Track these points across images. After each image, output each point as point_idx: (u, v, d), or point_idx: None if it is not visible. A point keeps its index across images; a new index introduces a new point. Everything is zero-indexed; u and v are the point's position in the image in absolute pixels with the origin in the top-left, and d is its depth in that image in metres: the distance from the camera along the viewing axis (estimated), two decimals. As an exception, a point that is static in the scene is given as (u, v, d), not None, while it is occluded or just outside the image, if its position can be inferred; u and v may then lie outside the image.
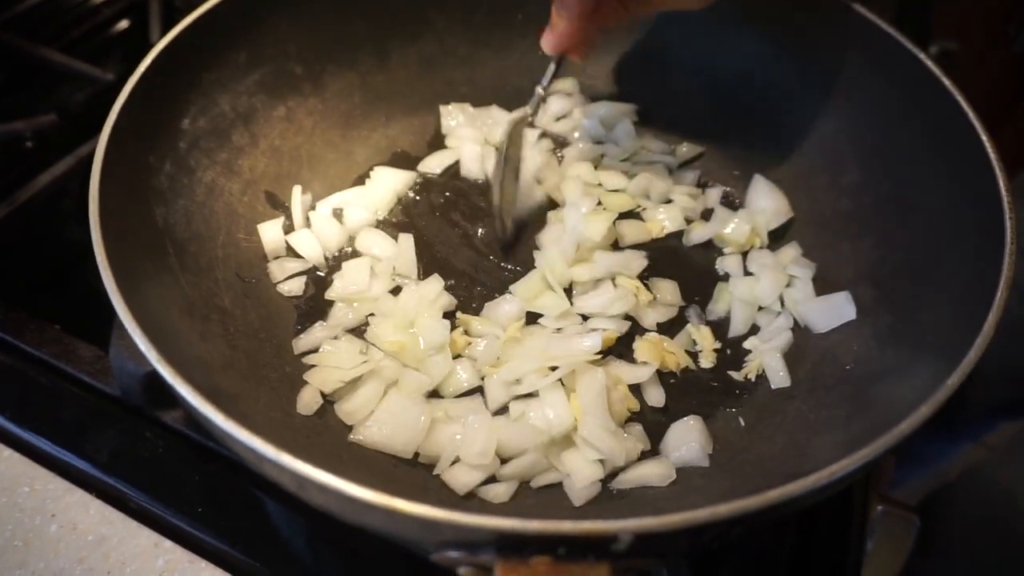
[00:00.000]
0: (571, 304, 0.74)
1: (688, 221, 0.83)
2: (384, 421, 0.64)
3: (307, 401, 0.66)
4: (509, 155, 0.77)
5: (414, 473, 0.64)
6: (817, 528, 0.67)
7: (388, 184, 0.84)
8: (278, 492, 0.63)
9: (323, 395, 0.67)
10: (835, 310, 0.72)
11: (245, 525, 0.63)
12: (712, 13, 0.87)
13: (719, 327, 0.75)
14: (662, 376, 0.71)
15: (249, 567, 0.61)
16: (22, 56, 1.02)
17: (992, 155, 0.63)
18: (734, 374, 0.71)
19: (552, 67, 0.78)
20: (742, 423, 0.68)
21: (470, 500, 0.62)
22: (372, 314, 0.73)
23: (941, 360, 0.53)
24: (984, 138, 0.65)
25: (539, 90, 0.79)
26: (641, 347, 0.71)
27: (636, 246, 0.81)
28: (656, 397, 0.69)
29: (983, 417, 1.35)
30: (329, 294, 0.75)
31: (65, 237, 0.86)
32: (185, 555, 0.61)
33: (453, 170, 0.89)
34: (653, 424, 0.68)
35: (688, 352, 0.72)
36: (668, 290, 0.77)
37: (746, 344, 0.73)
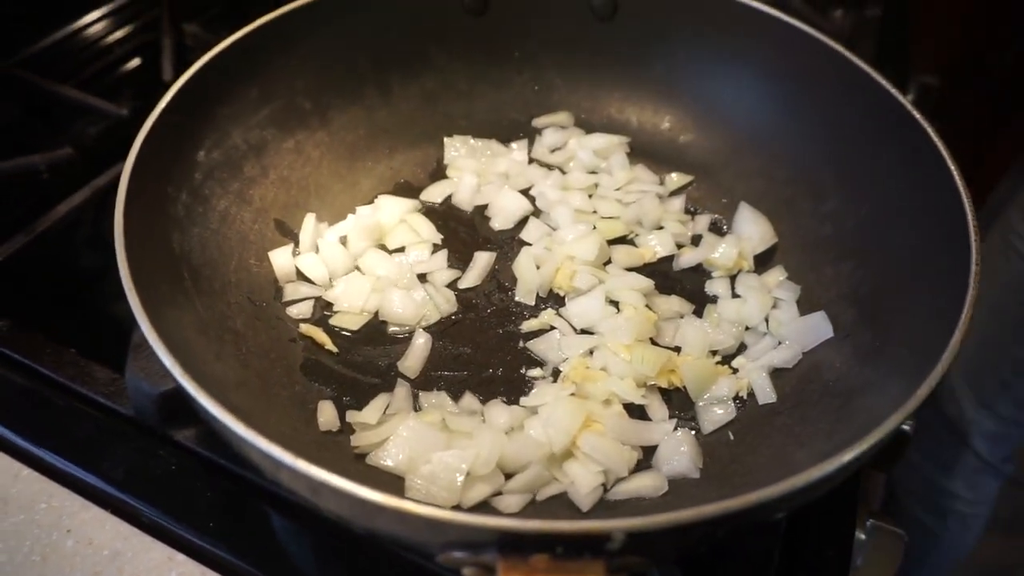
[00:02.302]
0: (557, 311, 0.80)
1: (678, 246, 0.87)
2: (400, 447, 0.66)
3: (328, 418, 0.69)
4: None
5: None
6: (806, 541, 0.69)
7: (392, 212, 0.87)
8: (288, 507, 0.66)
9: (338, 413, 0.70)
10: (813, 329, 0.75)
11: (255, 539, 0.65)
12: (701, 50, 0.93)
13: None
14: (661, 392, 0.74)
15: (258, 579, 0.63)
16: (39, 92, 1.06)
17: (960, 185, 0.67)
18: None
19: None
20: (731, 437, 0.70)
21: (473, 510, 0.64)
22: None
23: (915, 374, 0.56)
24: (953, 168, 0.69)
25: None
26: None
27: (629, 270, 0.84)
28: (661, 414, 0.72)
29: None
30: (327, 295, 0.80)
31: (80, 265, 0.90)
32: (197, 568, 0.63)
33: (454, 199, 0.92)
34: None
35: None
36: (674, 303, 0.80)
37: (734, 363, 0.76)
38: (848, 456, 0.49)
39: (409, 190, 0.93)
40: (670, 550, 0.53)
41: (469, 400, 0.72)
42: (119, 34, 1.20)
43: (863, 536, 0.71)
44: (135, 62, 1.18)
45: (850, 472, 0.51)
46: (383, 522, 0.48)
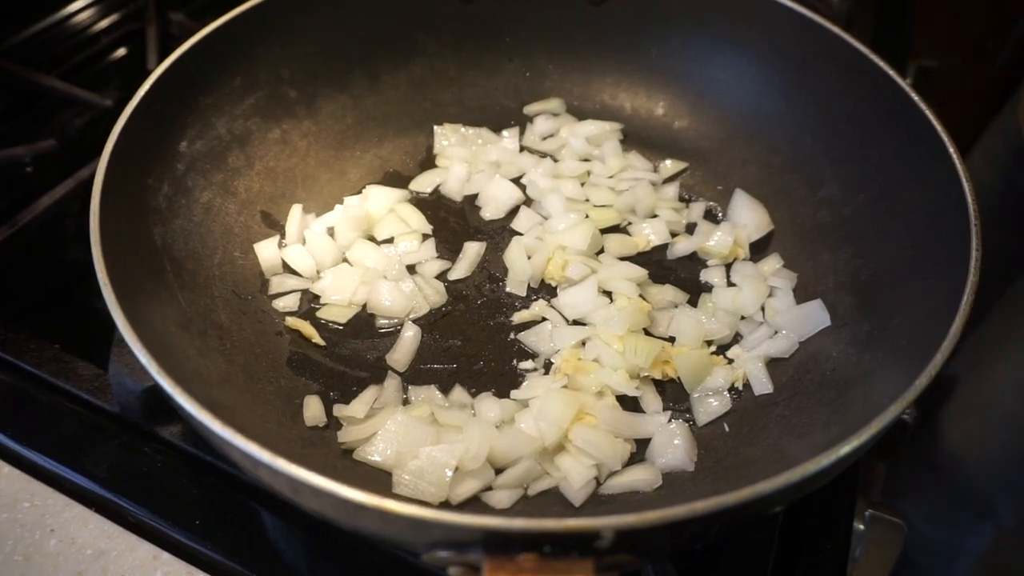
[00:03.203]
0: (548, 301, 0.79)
1: (672, 234, 0.86)
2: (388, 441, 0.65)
3: (314, 414, 0.68)
4: None
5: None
6: (804, 533, 0.68)
7: (380, 202, 0.86)
8: (274, 504, 0.65)
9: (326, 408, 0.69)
10: (810, 318, 0.74)
11: (242, 537, 0.64)
12: (696, 34, 0.91)
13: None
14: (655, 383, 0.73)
15: (246, 578, 0.62)
16: (22, 83, 1.04)
17: (961, 169, 0.66)
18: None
19: None
20: (726, 429, 0.69)
21: (464, 508, 0.63)
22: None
23: (914, 363, 0.55)
24: (953, 152, 0.67)
25: None
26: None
27: (622, 259, 0.83)
28: (655, 405, 0.71)
29: None
30: (314, 288, 0.79)
31: (65, 259, 0.88)
32: (183, 567, 0.62)
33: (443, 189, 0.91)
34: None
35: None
36: (668, 293, 0.79)
37: (729, 353, 0.75)
38: (846, 448, 0.47)
39: (398, 179, 0.91)
40: (662, 548, 0.52)
41: (459, 393, 0.71)
42: (104, 23, 1.18)
43: (862, 527, 0.70)
44: (121, 52, 1.16)
45: (849, 464, 0.49)
46: (366, 521, 0.47)
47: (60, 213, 0.89)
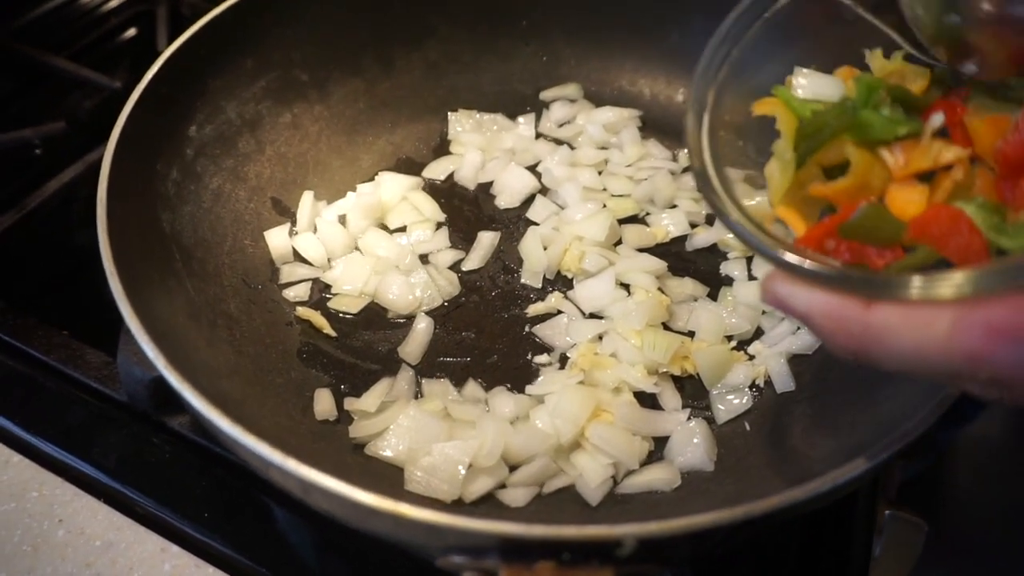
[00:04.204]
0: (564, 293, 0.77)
1: (692, 225, 0.84)
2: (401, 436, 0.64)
3: (325, 407, 0.67)
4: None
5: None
6: (823, 533, 0.66)
7: (393, 189, 0.84)
8: (284, 498, 0.64)
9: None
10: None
11: (251, 530, 0.63)
12: (718, 18, 0.88)
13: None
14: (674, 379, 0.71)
15: (255, 572, 0.61)
16: (31, 64, 1.03)
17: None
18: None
19: None
20: (747, 427, 0.68)
21: (478, 506, 0.62)
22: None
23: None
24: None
25: None
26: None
27: (640, 251, 0.81)
28: (673, 403, 0.69)
29: None
30: (325, 277, 0.78)
31: (73, 243, 0.87)
32: (192, 560, 0.62)
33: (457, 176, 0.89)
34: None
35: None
36: (687, 286, 0.77)
37: (750, 349, 0.73)
38: (885, 453, 0.45)
39: (411, 166, 0.90)
40: (685, 555, 0.51)
41: (472, 388, 0.70)
42: (114, 3, 1.17)
43: (881, 526, 0.69)
44: (131, 32, 1.15)
45: (883, 468, 0.48)
46: (378, 524, 0.46)
47: (69, 197, 0.89)
